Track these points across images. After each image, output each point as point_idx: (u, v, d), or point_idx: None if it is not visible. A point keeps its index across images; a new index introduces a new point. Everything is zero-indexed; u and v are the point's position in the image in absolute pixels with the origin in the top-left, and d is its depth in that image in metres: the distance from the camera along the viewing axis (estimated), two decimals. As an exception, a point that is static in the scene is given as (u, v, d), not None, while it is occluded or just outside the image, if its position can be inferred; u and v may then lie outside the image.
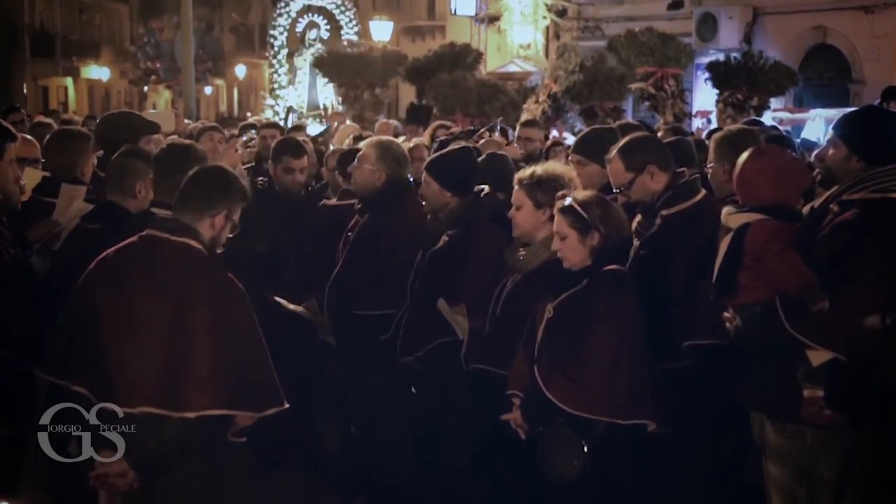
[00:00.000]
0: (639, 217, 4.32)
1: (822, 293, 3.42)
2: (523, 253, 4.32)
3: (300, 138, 7.82)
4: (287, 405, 3.55)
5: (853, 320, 3.41)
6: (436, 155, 5.08)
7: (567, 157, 5.86)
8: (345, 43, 22.47)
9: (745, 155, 3.80)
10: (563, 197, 4.02)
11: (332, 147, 7.33)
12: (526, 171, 4.35)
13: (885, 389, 3.48)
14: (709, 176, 4.78)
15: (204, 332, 3.39)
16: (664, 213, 4.19)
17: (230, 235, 3.67)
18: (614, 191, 4.34)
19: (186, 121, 14.10)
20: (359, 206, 5.22)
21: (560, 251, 3.99)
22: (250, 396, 3.49)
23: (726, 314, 3.71)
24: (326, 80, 21.22)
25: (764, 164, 3.73)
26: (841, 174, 3.64)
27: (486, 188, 4.85)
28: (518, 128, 7.64)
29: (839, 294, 3.41)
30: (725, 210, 3.77)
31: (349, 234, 5.21)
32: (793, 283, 3.47)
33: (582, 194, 4.04)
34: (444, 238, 4.76)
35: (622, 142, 4.37)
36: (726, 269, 3.66)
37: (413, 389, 4.93)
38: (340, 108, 19.33)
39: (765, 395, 3.70)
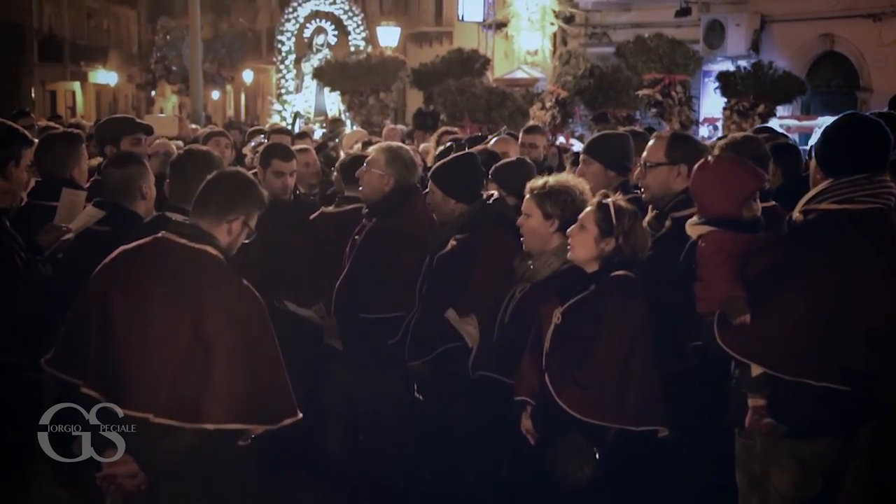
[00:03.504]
0: (652, 212, 4.33)
1: (744, 307, 3.42)
2: (532, 262, 4.30)
3: (305, 144, 7.83)
4: (301, 415, 3.53)
5: (776, 333, 3.40)
6: (440, 163, 5.09)
7: (575, 161, 5.89)
8: (351, 50, 22.55)
9: (694, 168, 3.82)
10: (606, 196, 4.02)
11: (342, 153, 7.32)
12: (538, 181, 4.35)
13: (864, 406, 3.47)
14: None
15: (222, 344, 3.35)
16: (675, 215, 4.21)
17: (245, 241, 3.64)
18: (646, 165, 4.36)
19: (194, 126, 14.10)
20: (366, 210, 5.23)
21: (572, 238, 3.98)
22: (266, 409, 3.45)
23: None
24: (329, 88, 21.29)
25: (705, 177, 3.73)
26: (812, 185, 3.62)
27: (495, 193, 4.86)
28: (521, 134, 7.65)
29: (764, 307, 3.40)
30: (689, 221, 3.79)
31: (356, 237, 5.21)
32: (721, 295, 3.48)
33: (624, 201, 4.02)
34: (452, 242, 4.76)
35: (678, 131, 4.40)
36: (685, 280, 3.70)
37: (418, 394, 4.93)
38: (346, 115, 19.37)
39: (724, 402, 3.73)
